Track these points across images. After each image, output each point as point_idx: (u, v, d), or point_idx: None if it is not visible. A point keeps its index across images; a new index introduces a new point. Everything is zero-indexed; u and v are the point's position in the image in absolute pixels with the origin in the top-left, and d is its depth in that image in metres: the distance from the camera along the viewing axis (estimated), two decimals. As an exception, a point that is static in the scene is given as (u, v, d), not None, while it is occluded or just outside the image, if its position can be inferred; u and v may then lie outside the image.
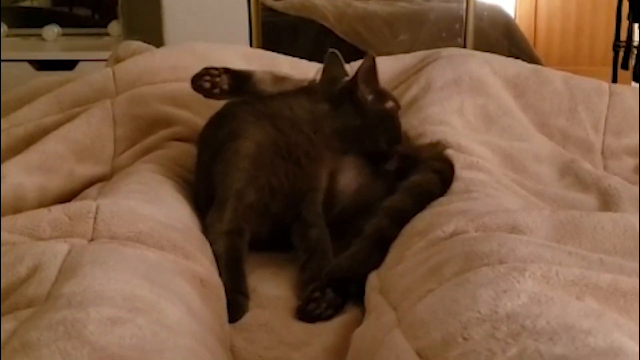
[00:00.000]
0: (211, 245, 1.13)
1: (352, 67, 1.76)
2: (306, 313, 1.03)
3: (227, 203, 1.18)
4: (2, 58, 2.74)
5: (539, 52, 3.88)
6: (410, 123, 1.53)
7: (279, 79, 1.31)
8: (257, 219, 1.20)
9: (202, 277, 0.98)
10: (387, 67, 1.75)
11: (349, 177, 1.28)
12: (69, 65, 2.85)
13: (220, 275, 1.06)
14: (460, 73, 1.64)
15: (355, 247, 1.12)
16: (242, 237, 1.17)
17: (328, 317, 1.03)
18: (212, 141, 1.27)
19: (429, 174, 1.25)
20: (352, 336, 0.92)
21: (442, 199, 1.17)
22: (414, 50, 1.83)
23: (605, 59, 3.92)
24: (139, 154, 1.45)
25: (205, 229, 1.18)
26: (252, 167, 1.19)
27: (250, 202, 1.19)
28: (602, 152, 1.56)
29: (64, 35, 3.31)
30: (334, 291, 1.05)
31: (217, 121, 1.32)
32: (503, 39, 3.47)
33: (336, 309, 1.04)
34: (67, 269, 0.86)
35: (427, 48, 1.83)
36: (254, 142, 1.20)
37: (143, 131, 1.49)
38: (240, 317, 1.04)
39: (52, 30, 3.27)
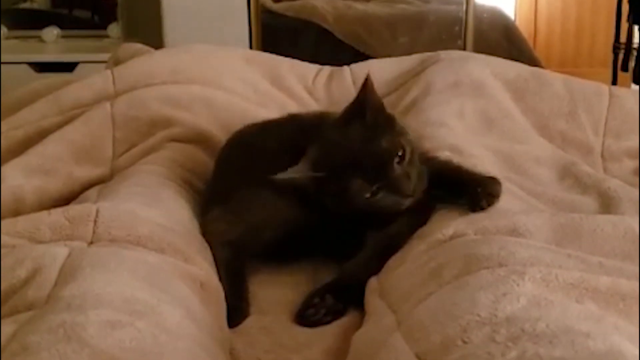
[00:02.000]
0: (211, 248, 1.13)
1: (351, 69, 1.76)
2: (305, 318, 1.03)
3: (237, 225, 1.17)
4: (2, 60, 2.74)
5: (539, 54, 3.88)
6: (410, 125, 1.53)
7: None
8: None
9: (201, 280, 0.98)
10: (387, 69, 1.75)
11: None
12: (68, 67, 2.85)
13: (220, 279, 1.06)
14: (460, 76, 1.64)
15: (361, 254, 1.12)
16: (243, 248, 1.16)
17: (327, 323, 1.02)
18: (236, 168, 1.26)
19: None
20: (352, 339, 0.92)
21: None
22: (414, 52, 1.83)
23: (605, 60, 3.92)
24: (139, 155, 1.44)
25: (205, 231, 1.17)
26: (268, 216, 1.18)
27: (262, 238, 1.18)
28: (602, 155, 1.56)
29: (63, 37, 3.31)
30: (334, 297, 1.05)
31: (243, 147, 1.30)
32: (503, 41, 3.47)
33: (335, 315, 1.03)
34: (67, 272, 0.86)
35: (427, 50, 1.83)
36: (273, 200, 1.16)
37: (142, 133, 1.49)
38: (240, 322, 1.03)
39: (51, 32, 3.26)
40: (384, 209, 1.09)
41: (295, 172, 1.07)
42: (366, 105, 1.08)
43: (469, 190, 1.11)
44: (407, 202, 1.09)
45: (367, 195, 1.07)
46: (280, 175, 1.05)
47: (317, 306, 1.03)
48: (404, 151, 1.08)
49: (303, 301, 1.06)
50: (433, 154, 1.40)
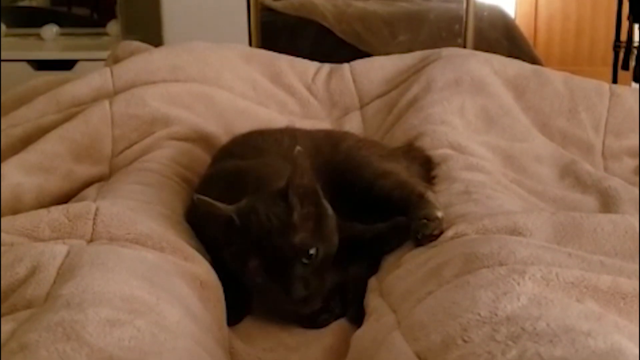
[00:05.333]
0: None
1: (351, 66, 1.76)
2: (303, 319, 1.02)
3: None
4: (1, 58, 2.73)
5: (539, 52, 3.87)
6: (410, 122, 1.53)
7: None
8: None
9: (201, 278, 0.98)
10: (388, 66, 1.75)
11: None
12: (67, 65, 2.84)
13: (219, 277, 1.05)
14: (460, 73, 1.64)
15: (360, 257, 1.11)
16: None
17: (326, 323, 1.02)
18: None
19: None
20: (351, 338, 0.92)
21: (441, 201, 1.17)
22: (414, 51, 1.82)
23: (605, 59, 3.91)
24: (138, 154, 1.44)
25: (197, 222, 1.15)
26: None
27: None
28: (603, 153, 1.56)
29: (62, 34, 3.30)
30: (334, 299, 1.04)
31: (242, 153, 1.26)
32: (503, 39, 3.46)
33: (336, 315, 1.03)
34: (66, 270, 0.86)
35: (427, 48, 1.83)
36: None
37: (141, 131, 1.48)
38: (239, 320, 1.03)
39: (50, 30, 3.25)
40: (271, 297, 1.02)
41: (219, 204, 1.01)
42: (290, 193, 0.99)
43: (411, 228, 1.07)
44: (296, 305, 1.00)
45: (259, 280, 0.99)
46: (201, 197, 1.01)
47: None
48: (317, 253, 0.98)
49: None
50: (433, 151, 1.40)
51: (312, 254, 0.98)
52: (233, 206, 1.01)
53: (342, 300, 1.05)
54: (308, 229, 0.99)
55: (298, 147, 1.02)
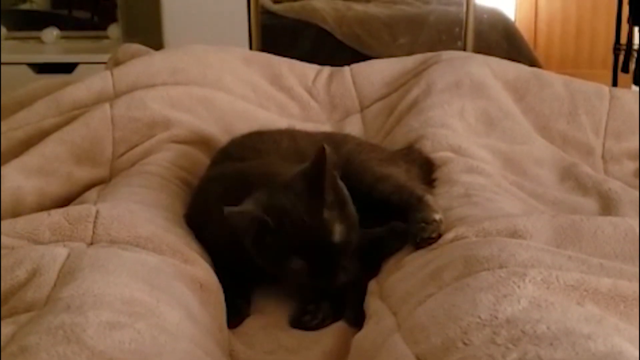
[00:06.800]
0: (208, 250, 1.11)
1: (351, 69, 1.76)
2: (302, 323, 1.03)
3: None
4: (2, 61, 2.73)
5: (539, 55, 3.87)
6: (411, 125, 1.53)
7: None
8: None
9: (201, 281, 0.98)
10: (388, 69, 1.75)
11: None
12: (68, 68, 2.85)
13: (220, 279, 1.05)
14: (460, 76, 1.64)
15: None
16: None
17: (325, 327, 1.02)
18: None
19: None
20: (352, 341, 0.92)
21: (441, 203, 1.17)
22: (414, 54, 1.83)
23: (605, 62, 3.92)
24: (138, 156, 1.44)
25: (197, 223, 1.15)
26: None
27: None
28: (603, 156, 1.56)
29: (63, 38, 3.30)
30: (329, 302, 1.04)
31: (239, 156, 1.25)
32: (503, 42, 3.46)
33: (334, 318, 1.03)
34: (67, 273, 0.86)
35: (427, 51, 1.83)
36: None
37: (142, 134, 1.48)
38: (240, 323, 1.03)
39: (51, 33, 3.26)
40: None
41: (246, 206, 0.99)
42: (324, 184, 1.00)
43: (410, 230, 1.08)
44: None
45: (302, 278, 1.01)
46: (230, 209, 0.98)
47: (313, 312, 1.03)
48: (353, 241, 1.02)
49: (298, 307, 1.05)
50: (433, 154, 1.40)
51: (349, 246, 1.01)
52: (254, 205, 1.00)
53: (337, 304, 1.05)
54: (339, 221, 1.01)
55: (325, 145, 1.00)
